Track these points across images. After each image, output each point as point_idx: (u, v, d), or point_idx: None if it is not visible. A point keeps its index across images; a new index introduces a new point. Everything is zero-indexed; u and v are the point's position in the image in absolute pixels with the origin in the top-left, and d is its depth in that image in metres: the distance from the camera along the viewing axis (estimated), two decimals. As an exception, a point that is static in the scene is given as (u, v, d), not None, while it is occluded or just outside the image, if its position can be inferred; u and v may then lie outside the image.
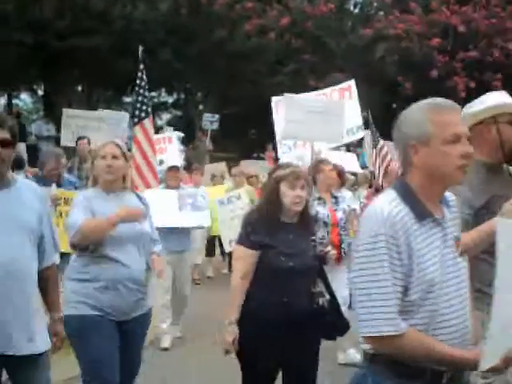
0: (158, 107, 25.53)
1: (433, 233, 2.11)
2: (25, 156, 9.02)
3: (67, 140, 10.57)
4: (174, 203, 6.30)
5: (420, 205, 2.09)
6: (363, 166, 11.39)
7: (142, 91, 7.16)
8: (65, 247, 3.91)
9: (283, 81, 19.01)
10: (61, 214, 5.99)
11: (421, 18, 19.79)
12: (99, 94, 25.14)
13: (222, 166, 12.45)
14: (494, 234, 1.99)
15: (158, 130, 13.98)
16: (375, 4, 23.08)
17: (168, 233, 5.82)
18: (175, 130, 14.97)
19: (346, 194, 6.26)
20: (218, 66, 20.05)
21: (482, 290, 2.82)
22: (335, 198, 5.66)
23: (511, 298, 1.92)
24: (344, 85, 10.32)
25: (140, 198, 3.84)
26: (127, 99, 24.40)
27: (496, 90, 3.56)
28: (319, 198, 5.58)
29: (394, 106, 22.21)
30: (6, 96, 25.94)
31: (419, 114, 2.13)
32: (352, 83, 10.18)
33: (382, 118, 10.73)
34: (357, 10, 23.51)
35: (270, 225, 3.53)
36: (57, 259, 3.45)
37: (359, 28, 20.79)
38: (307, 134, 8.12)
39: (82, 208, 3.55)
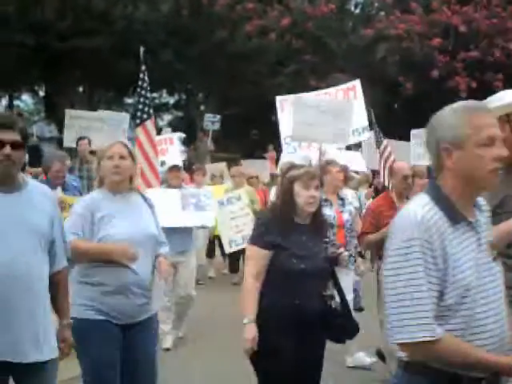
0: (160, 108, 25.55)
1: (467, 237, 2.08)
2: (26, 157, 9.02)
3: (70, 141, 10.54)
4: (177, 203, 6.28)
5: (454, 208, 2.07)
6: None
7: (143, 92, 7.16)
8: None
9: (284, 81, 19.02)
10: (64, 219, 5.99)
11: (422, 18, 19.79)
12: (100, 95, 25.16)
13: (221, 166, 12.43)
14: None
15: (158, 131, 13.98)
16: (376, 4, 23.08)
17: (171, 232, 5.81)
18: (176, 131, 14.99)
19: (347, 192, 6.25)
20: (219, 67, 20.06)
21: None
22: (342, 199, 5.65)
23: None
24: (349, 84, 10.27)
25: (145, 199, 3.77)
26: (128, 100, 24.45)
27: (497, 90, 3.52)
28: (325, 200, 5.57)
29: (395, 106, 22.23)
30: (7, 97, 25.97)
31: (454, 116, 2.10)
32: (357, 83, 10.13)
33: (383, 118, 10.74)
34: (358, 11, 23.51)
35: (283, 225, 3.51)
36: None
37: (360, 28, 20.79)
38: (316, 136, 8.06)
39: (78, 218, 3.49)
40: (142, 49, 7.32)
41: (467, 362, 2.00)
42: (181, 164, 7.22)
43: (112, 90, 24.58)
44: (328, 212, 5.47)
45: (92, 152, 9.49)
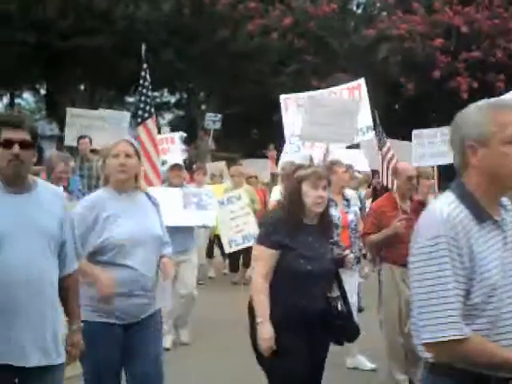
0: (161, 107, 25.55)
1: (492, 236, 2.06)
2: (35, 157, 9.03)
3: (71, 139, 10.53)
4: (178, 201, 6.26)
5: (479, 207, 2.05)
6: None
7: (145, 91, 7.15)
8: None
9: (285, 81, 19.02)
10: None
11: (424, 18, 19.79)
12: (102, 94, 25.17)
13: (221, 166, 12.42)
14: None
15: (158, 130, 13.98)
16: (378, 4, 23.08)
17: (174, 231, 5.78)
18: (177, 130, 14.99)
19: (348, 192, 6.23)
20: (220, 66, 20.06)
21: None
22: (347, 200, 5.63)
23: None
24: (354, 83, 10.27)
25: (150, 197, 3.73)
26: (129, 99, 24.44)
27: (499, 91, 3.51)
28: (331, 200, 5.54)
29: (397, 106, 22.22)
30: (8, 95, 26.01)
31: (479, 114, 2.07)
32: (362, 82, 10.11)
33: (384, 118, 10.72)
34: (360, 11, 23.52)
35: (291, 226, 3.50)
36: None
37: (362, 28, 20.79)
38: (325, 135, 8.04)
39: (75, 217, 3.41)
40: (143, 46, 7.30)
41: (493, 362, 1.98)
42: (182, 163, 7.21)
43: (113, 88, 24.60)
44: (333, 212, 5.45)
45: (93, 151, 9.49)
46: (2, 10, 17.29)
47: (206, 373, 5.55)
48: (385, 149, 9.51)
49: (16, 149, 2.71)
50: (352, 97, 9.82)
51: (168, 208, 5.62)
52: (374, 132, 9.76)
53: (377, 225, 5.21)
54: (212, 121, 16.70)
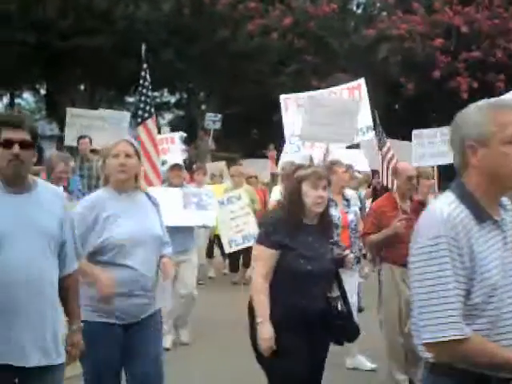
0: (161, 107, 25.55)
1: (492, 235, 2.06)
2: (35, 157, 9.03)
3: (71, 139, 10.54)
4: (178, 201, 6.26)
5: (479, 207, 2.06)
6: None
7: (145, 91, 7.15)
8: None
9: (285, 81, 19.02)
10: None
11: (424, 18, 19.80)
12: (102, 94, 25.17)
13: (221, 166, 12.42)
14: None
15: (158, 130, 13.99)
16: (378, 4, 23.09)
17: (174, 231, 5.78)
18: (177, 130, 14.99)
19: (348, 192, 6.23)
20: (220, 66, 20.07)
21: None
22: (347, 200, 5.64)
23: None
24: (354, 83, 10.27)
25: (150, 197, 3.73)
26: (129, 99, 24.45)
27: (499, 91, 3.52)
28: (331, 200, 5.53)
29: (397, 106, 22.22)
30: (8, 95, 26.01)
31: (479, 114, 2.08)
32: (362, 81, 10.11)
33: (384, 118, 10.73)
34: (360, 11, 23.52)
35: (291, 226, 3.50)
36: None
37: (362, 28, 20.79)
38: (325, 135, 8.04)
39: (75, 217, 3.41)
40: (143, 46, 7.30)
41: (494, 363, 1.98)
42: (182, 163, 7.21)
43: (113, 88, 24.60)
44: (333, 212, 5.45)
45: (93, 151, 9.49)
46: (2, 9, 17.29)
47: (206, 373, 5.55)
48: (385, 149, 9.51)
49: (16, 149, 2.71)
50: (352, 97, 9.82)
51: (168, 208, 5.62)
52: (373, 132, 9.76)
53: (377, 225, 5.21)
54: (212, 121, 16.71)
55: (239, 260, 9.55)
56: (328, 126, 7.92)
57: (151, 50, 10.83)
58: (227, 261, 10.18)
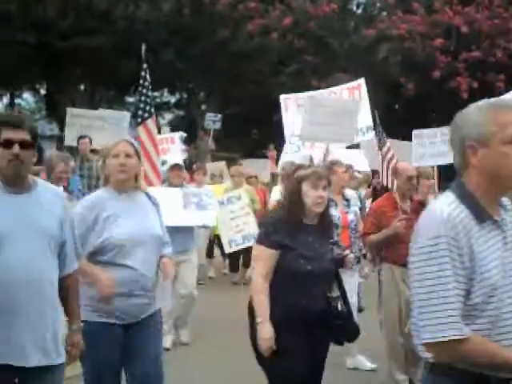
0: (161, 107, 25.55)
1: (492, 235, 2.06)
2: (35, 157, 9.04)
3: (71, 139, 10.54)
4: (178, 201, 6.26)
5: (479, 206, 2.06)
6: None
7: (145, 91, 7.15)
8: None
9: (285, 81, 19.02)
10: None
11: (424, 18, 19.79)
12: (102, 94, 25.18)
13: (221, 166, 12.42)
14: None
15: (158, 130, 13.99)
16: (378, 4, 23.08)
17: (174, 231, 5.78)
18: (177, 129, 14.99)
19: (348, 192, 6.23)
20: (220, 66, 20.07)
21: None
22: (347, 200, 5.64)
23: None
24: (354, 83, 10.27)
25: (150, 197, 3.73)
26: (130, 99, 24.45)
27: (499, 91, 3.52)
28: (331, 200, 5.53)
29: (397, 106, 22.22)
30: (8, 95, 26.00)
31: (479, 114, 2.08)
32: (362, 81, 10.11)
33: (384, 118, 10.73)
34: (360, 11, 23.52)
35: (291, 226, 3.50)
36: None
37: (362, 28, 20.79)
38: (325, 135, 8.04)
39: (75, 217, 3.41)
40: (143, 46, 7.30)
41: (494, 363, 1.98)
42: (182, 163, 7.21)
43: (113, 88, 24.60)
44: (333, 212, 5.45)
45: (93, 151, 9.49)
46: (2, 9, 17.29)
47: (206, 373, 5.55)
48: (385, 149, 9.51)
49: (16, 149, 2.71)
50: (352, 97, 9.82)
51: (168, 208, 5.62)
52: (373, 132, 9.76)
53: (377, 225, 5.22)
54: (212, 121, 16.71)
55: (239, 260, 9.55)
56: (328, 126, 7.92)
57: (151, 50, 10.83)
58: (227, 261, 10.18)
